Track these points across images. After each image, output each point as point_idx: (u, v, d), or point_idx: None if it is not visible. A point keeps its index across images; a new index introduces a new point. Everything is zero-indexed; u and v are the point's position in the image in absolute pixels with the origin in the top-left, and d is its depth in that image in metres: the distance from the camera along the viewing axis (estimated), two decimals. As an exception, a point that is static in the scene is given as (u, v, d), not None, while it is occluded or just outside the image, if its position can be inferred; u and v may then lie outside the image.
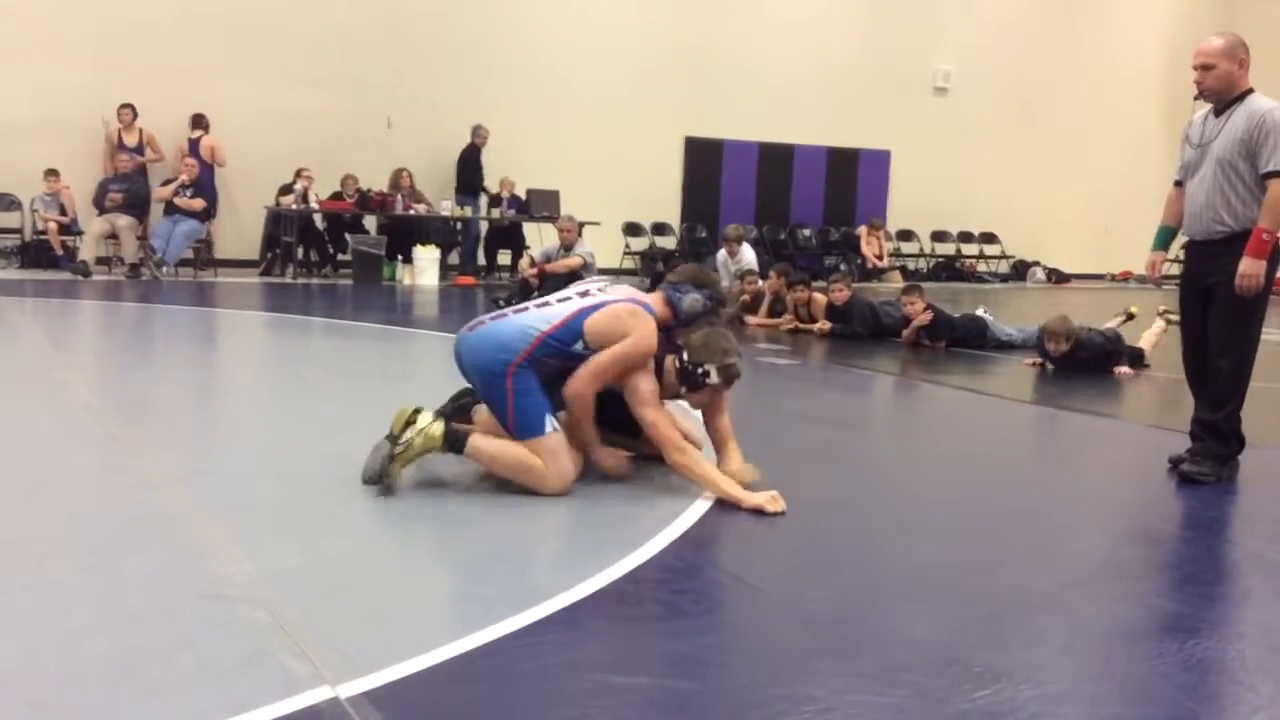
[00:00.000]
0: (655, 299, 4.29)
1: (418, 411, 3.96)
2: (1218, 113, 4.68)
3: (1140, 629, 3.04)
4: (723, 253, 11.61)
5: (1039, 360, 8.03)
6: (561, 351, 4.01)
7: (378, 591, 3.05)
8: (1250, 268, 4.46)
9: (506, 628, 2.76)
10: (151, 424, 5.25)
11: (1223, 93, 4.62)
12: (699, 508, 3.91)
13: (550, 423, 3.95)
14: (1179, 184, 4.90)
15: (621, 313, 4.08)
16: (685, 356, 4.17)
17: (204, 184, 13.15)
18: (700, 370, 4.14)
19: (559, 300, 4.19)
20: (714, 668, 2.62)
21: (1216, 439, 4.72)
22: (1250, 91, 4.63)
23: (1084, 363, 7.82)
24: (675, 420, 4.21)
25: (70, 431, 4.93)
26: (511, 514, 3.77)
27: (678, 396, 4.29)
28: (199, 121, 13.43)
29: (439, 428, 3.93)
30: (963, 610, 3.08)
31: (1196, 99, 4.74)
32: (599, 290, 4.26)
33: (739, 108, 16.77)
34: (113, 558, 3.20)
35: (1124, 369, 7.87)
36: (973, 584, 3.32)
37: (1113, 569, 3.60)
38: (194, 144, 13.39)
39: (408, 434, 3.90)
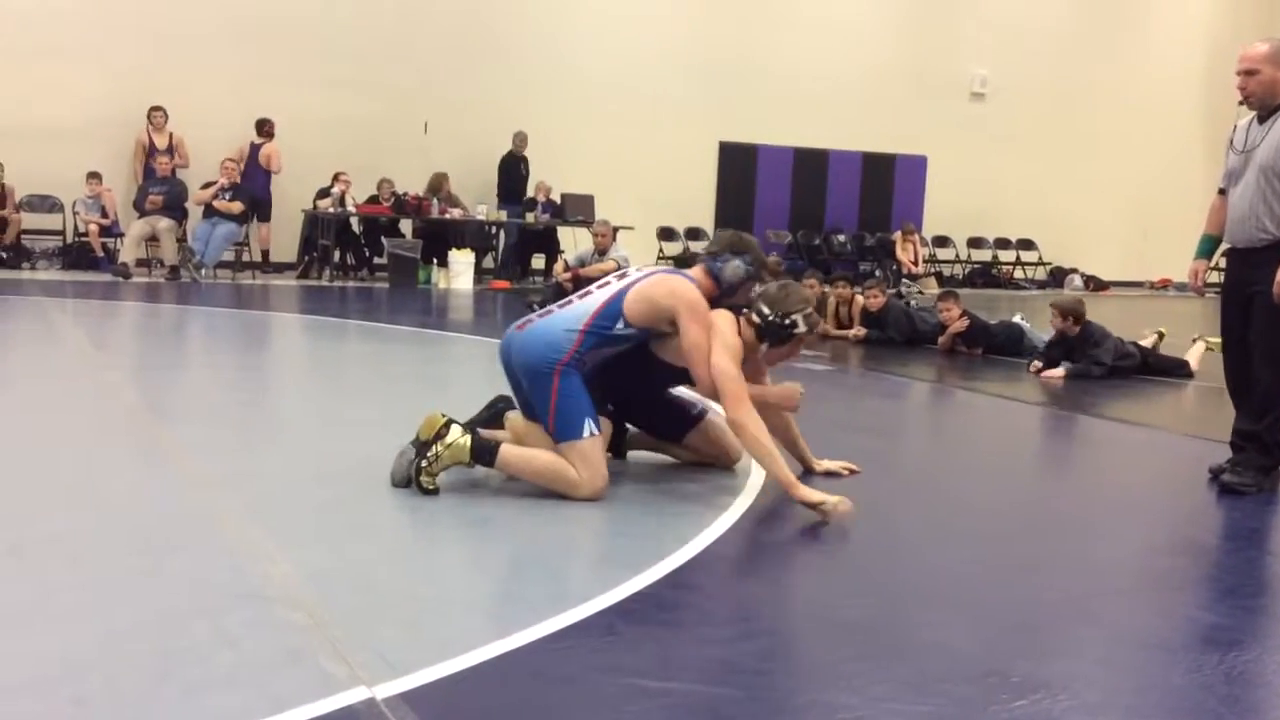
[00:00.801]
0: (696, 271, 4.24)
1: (447, 425, 3.95)
2: (1261, 119, 4.61)
3: (1180, 641, 3.01)
4: None
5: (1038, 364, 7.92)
6: (605, 338, 4.01)
7: (414, 593, 3.06)
8: None
9: (542, 631, 2.77)
10: (191, 425, 5.31)
11: (1266, 98, 4.56)
12: (736, 512, 3.90)
13: (589, 427, 3.94)
14: (1223, 192, 4.84)
15: (656, 284, 4.07)
16: (766, 310, 4.11)
17: (258, 188, 13.32)
18: (788, 320, 4.11)
19: (599, 287, 4.19)
20: (749, 674, 2.61)
21: (1258, 449, 4.66)
22: None
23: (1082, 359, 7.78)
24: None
25: (111, 432, 4.99)
26: (546, 516, 3.78)
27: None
28: (263, 127, 13.58)
29: (467, 441, 3.92)
30: (1000, 619, 3.06)
31: (1240, 104, 4.69)
32: (636, 271, 4.27)
33: (773, 112, 16.75)
34: (153, 558, 3.24)
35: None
36: (1010, 593, 3.30)
37: (1152, 580, 3.57)
38: (255, 149, 13.57)
39: (436, 447, 3.91)
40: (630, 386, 4.32)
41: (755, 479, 4.34)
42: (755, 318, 4.13)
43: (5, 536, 3.36)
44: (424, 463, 3.90)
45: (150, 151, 13.17)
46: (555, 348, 3.98)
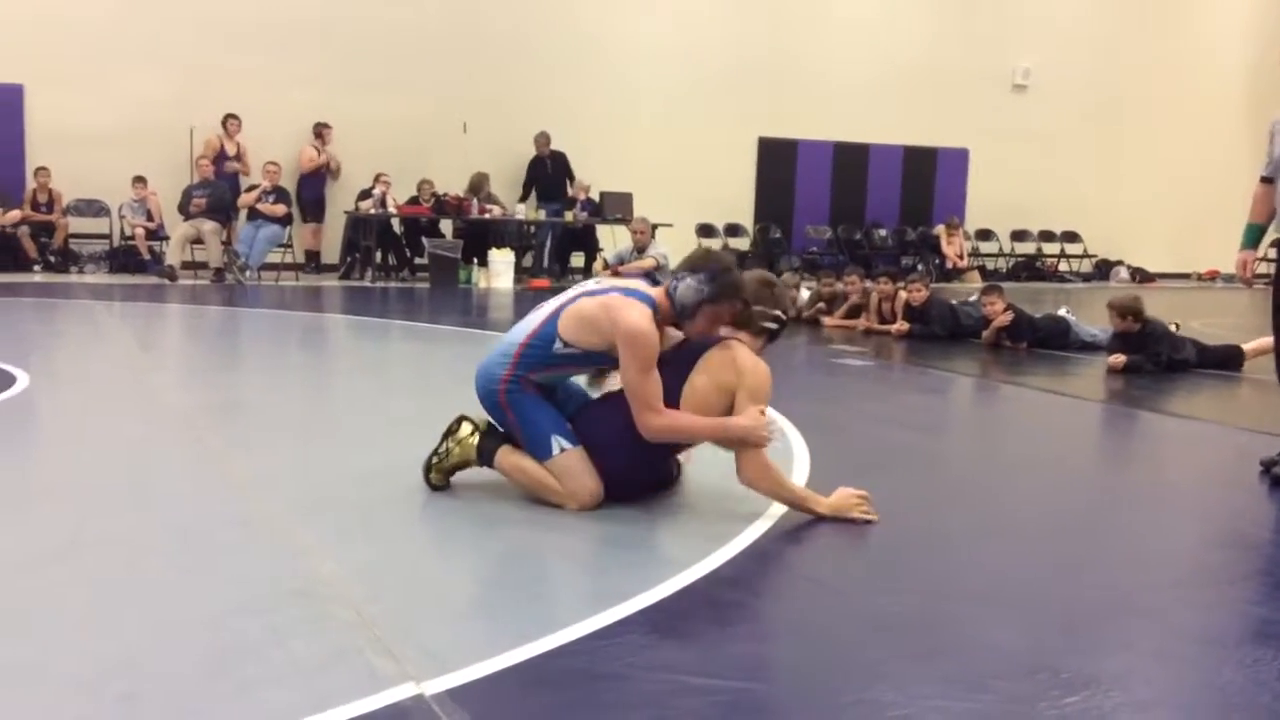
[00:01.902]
0: (658, 293, 3.84)
1: (459, 422, 3.98)
2: None
3: (1233, 635, 2.96)
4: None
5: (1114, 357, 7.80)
6: (543, 358, 3.79)
7: (460, 590, 3.08)
8: None
9: (586, 628, 2.77)
10: (237, 425, 5.37)
11: None
12: (778, 510, 3.89)
13: (557, 444, 3.77)
14: (1267, 180, 4.75)
15: (598, 304, 3.74)
16: (775, 313, 3.96)
17: (306, 188, 13.65)
18: (787, 315, 4.06)
19: (548, 302, 3.94)
20: (794, 671, 2.61)
21: None
22: None
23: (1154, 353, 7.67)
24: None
25: (159, 433, 5.05)
26: (591, 515, 3.78)
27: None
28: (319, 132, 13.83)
29: (475, 439, 3.94)
30: (1048, 615, 3.03)
31: None
32: (593, 284, 4.01)
33: (813, 107, 16.67)
34: (203, 556, 3.28)
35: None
36: (1058, 588, 3.27)
37: (1203, 574, 3.52)
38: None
39: (447, 443, 3.96)
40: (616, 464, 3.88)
41: (796, 478, 4.32)
42: (771, 324, 3.97)
43: (57, 537, 3.42)
44: (434, 459, 3.95)
45: (221, 156, 13.39)
46: (490, 376, 3.85)
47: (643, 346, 3.63)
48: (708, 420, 3.74)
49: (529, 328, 3.87)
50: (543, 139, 14.76)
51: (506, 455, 3.91)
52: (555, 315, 3.82)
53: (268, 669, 2.49)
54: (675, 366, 3.80)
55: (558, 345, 3.78)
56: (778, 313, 3.98)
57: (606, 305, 3.72)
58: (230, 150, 13.51)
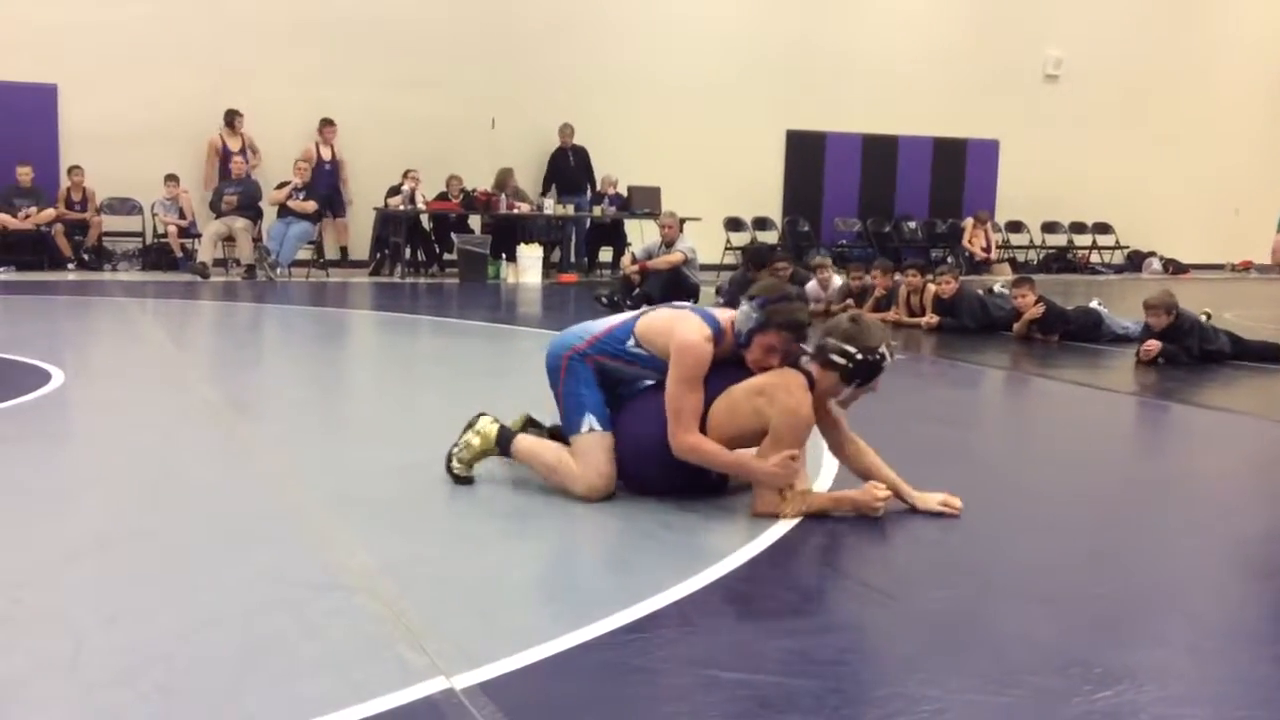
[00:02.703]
0: (727, 318, 3.85)
1: (478, 416, 4.12)
2: None
3: (1269, 631, 2.93)
4: (814, 283, 10.55)
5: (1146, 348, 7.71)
6: (615, 349, 3.90)
7: (489, 584, 3.09)
8: None
9: (617, 622, 2.77)
10: (269, 420, 5.41)
11: None
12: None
13: (589, 421, 3.86)
14: None
15: (668, 314, 3.91)
16: (850, 349, 3.63)
17: (325, 185, 13.64)
18: (878, 353, 3.66)
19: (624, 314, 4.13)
20: (826, 666, 2.60)
21: None
22: None
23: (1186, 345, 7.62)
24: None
25: (193, 428, 5.10)
26: (620, 509, 3.79)
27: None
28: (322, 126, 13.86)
29: (494, 429, 4.06)
30: (1081, 610, 3.00)
31: None
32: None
33: (841, 99, 16.59)
34: (236, 550, 3.30)
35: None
36: (1091, 583, 3.24)
37: (1238, 568, 3.48)
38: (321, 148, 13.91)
39: (467, 434, 4.07)
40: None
41: (826, 473, 4.31)
42: (839, 359, 3.65)
43: (93, 531, 3.45)
44: (455, 448, 4.07)
45: (225, 154, 13.44)
46: (563, 344, 3.99)
47: (691, 359, 3.70)
48: (732, 455, 3.72)
49: (609, 323, 4.01)
50: (567, 130, 14.77)
51: (522, 440, 4.04)
52: (635, 317, 3.97)
53: (300, 662, 2.51)
54: (728, 376, 3.75)
55: (630, 342, 3.90)
56: (850, 349, 3.65)
57: (674, 316, 3.87)
58: (234, 146, 13.49)
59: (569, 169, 14.88)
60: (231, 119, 13.46)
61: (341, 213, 14.11)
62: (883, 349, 3.68)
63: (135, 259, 13.40)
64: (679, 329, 3.76)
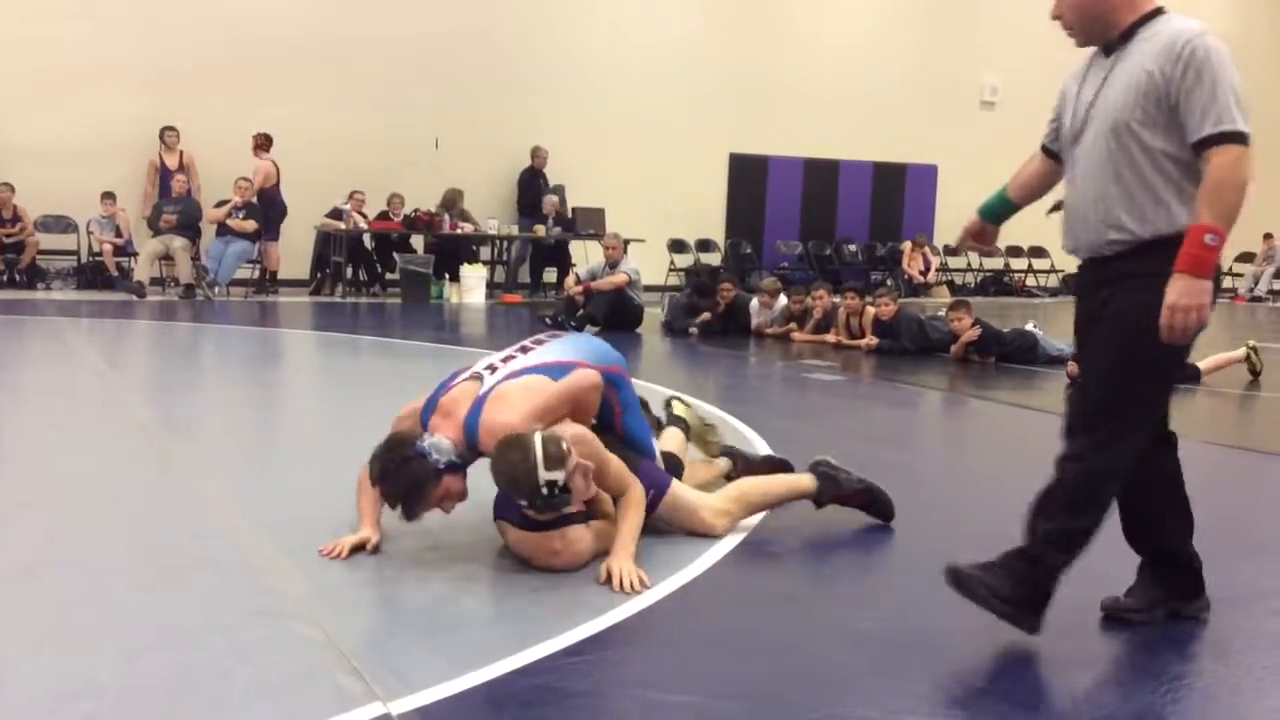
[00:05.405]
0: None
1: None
2: (1107, 53, 3.07)
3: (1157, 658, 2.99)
4: (756, 302, 10.84)
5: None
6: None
7: (428, 609, 3.07)
8: (1183, 294, 2.71)
9: (557, 645, 2.77)
10: (206, 442, 5.33)
11: (1091, 25, 3.07)
12: (749, 524, 3.89)
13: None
14: (1047, 152, 3.45)
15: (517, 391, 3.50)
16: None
17: (264, 205, 13.34)
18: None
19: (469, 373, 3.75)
20: (765, 686, 2.61)
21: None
22: (1157, 12, 2.92)
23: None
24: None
25: (126, 450, 5.01)
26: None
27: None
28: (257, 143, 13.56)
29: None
30: (1019, 630, 3.04)
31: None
32: (535, 344, 3.80)
33: (783, 123, 16.76)
34: (170, 575, 3.25)
35: None
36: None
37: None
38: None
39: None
40: None
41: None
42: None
43: (21, 556, 3.38)
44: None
45: (163, 172, 13.26)
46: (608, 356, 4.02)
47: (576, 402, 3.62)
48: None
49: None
50: (540, 153, 14.88)
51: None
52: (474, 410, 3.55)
53: (234, 689, 2.48)
54: None
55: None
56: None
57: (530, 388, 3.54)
58: (172, 164, 13.31)
59: (539, 191, 14.84)
60: (164, 135, 13.29)
61: (273, 235, 13.75)
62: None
63: (70, 278, 13.18)
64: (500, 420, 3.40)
